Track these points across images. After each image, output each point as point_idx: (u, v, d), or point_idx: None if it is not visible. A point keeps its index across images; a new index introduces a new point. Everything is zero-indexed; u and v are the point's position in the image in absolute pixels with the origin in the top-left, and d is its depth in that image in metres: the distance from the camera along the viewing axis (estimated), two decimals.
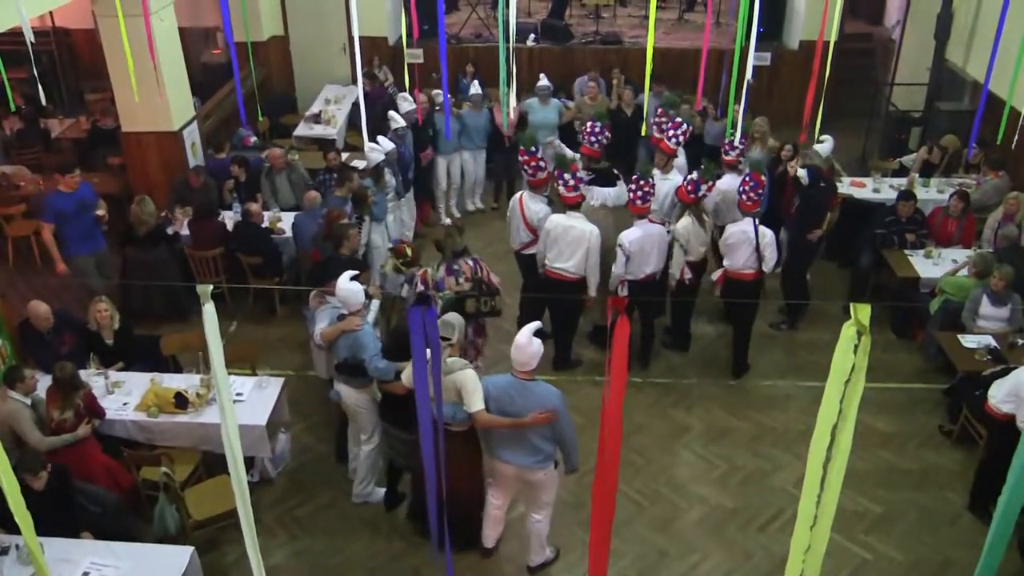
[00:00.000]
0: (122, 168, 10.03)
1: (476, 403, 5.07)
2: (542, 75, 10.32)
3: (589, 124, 8.07)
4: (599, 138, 7.94)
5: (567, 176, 7.05)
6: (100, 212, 7.98)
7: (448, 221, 9.87)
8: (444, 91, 6.74)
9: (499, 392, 5.12)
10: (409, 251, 6.93)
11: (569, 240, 7.05)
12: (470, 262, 6.64)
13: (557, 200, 7.40)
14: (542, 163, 7.44)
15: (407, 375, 5.29)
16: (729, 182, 7.89)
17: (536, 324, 5.09)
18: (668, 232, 7.33)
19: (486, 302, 6.63)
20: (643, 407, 7.28)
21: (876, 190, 9.34)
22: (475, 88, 10.15)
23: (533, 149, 7.40)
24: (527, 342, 4.99)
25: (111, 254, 8.26)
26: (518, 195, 7.67)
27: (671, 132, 7.88)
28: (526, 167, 7.48)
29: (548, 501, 5.51)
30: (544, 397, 5.07)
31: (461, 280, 6.56)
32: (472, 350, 6.72)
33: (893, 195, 8.68)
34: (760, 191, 7.09)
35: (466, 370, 5.14)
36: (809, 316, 8.43)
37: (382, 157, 8.36)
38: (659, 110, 8.37)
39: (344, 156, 9.67)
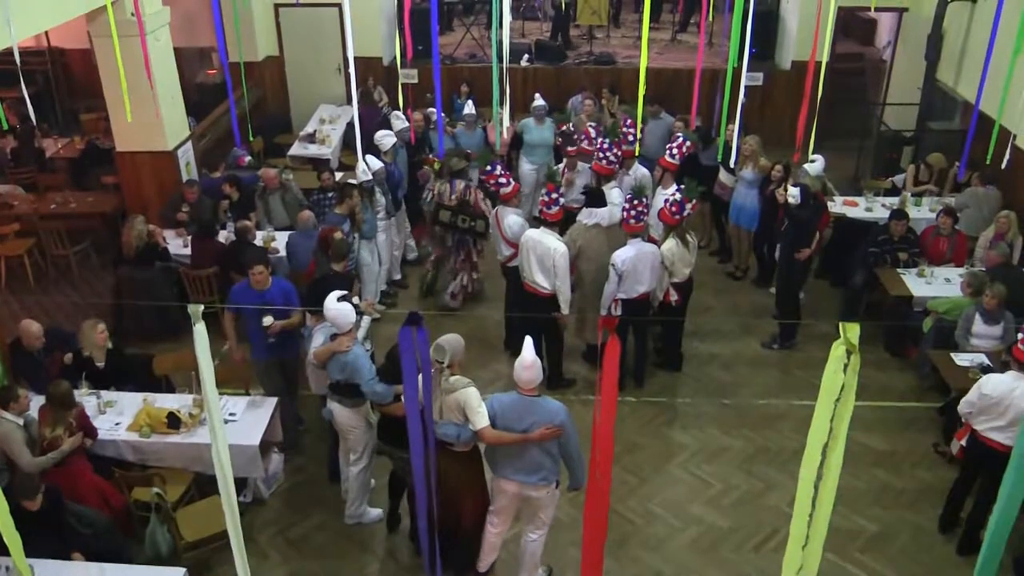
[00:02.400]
0: (116, 187, 10.04)
1: (481, 420, 5.06)
2: (537, 95, 10.35)
3: (599, 141, 8.22)
4: (607, 155, 8.03)
5: (542, 191, 7.19)
6: (271, 324, 6.41)
7: None
8: (438, 111, 6.80)
9: (505, 409, 5.12)
10: (437, 164, 8.57)
11: (539, 254, 7.13)
12: (462, 184, 8.13)
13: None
14: (502, 179, 7.58)
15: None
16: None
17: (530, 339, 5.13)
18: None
19: (463, 219, 8.16)
20: (637, 426, 7.27)
21: (869, 209, 9.38)
22: (469, 108, 10.20)
23: (488, 168, 7.57)
24: (532, 360, 5.03)
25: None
26: (495, 210, 7.85)
27: (671, 147, 8.03)
28: (488, 184, 7.70)
29: (546, 520, 5.50)
30: (551, 412, 5.07)
31: (453, 197, 8.11)
32: (460, 262, 8.48)
33: (886, 214, 8.71)
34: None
35: (469, 388, 5.13)
36: (803, 335, 8.43)
37: (368, 177, 8.38)
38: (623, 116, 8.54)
39: (338, 176, 9.70)
